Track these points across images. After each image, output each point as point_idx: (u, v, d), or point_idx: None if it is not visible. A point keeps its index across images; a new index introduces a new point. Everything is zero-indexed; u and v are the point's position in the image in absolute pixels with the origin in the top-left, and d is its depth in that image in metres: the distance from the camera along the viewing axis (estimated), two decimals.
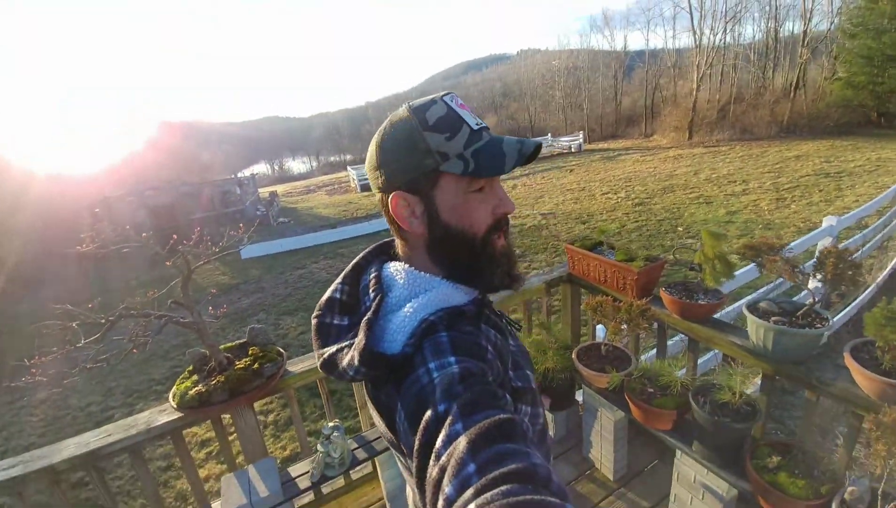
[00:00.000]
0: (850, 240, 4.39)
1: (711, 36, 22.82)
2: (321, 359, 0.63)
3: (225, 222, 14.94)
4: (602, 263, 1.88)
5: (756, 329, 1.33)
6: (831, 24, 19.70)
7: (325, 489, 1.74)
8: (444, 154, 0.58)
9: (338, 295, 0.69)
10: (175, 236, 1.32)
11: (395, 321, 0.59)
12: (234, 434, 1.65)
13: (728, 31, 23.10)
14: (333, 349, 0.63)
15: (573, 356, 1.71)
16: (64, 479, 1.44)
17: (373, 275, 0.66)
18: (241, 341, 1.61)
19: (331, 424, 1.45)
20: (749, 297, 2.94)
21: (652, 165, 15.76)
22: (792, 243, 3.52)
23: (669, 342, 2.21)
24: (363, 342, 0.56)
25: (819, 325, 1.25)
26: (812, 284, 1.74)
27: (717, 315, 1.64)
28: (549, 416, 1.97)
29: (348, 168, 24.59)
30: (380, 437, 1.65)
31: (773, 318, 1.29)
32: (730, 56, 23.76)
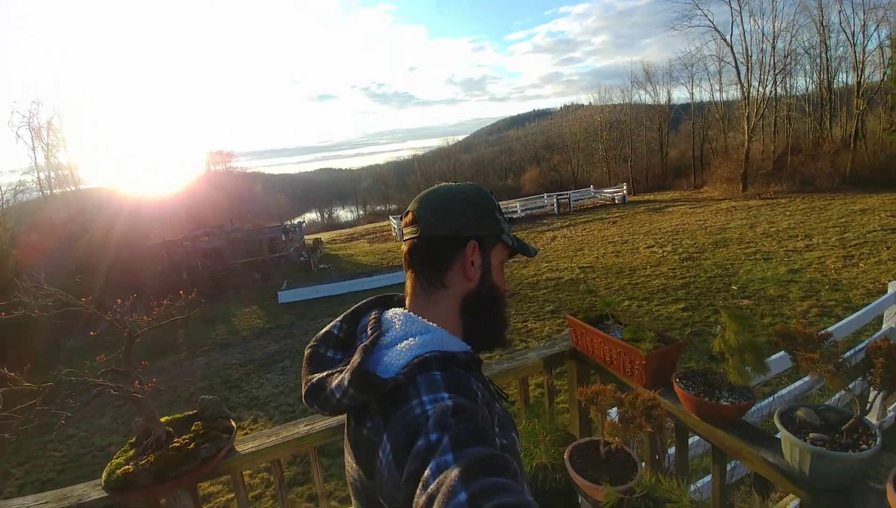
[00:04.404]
0: None
1: (760, 88, 22.20)
2: (308, 385, 0.65)
3: (270, 267, 15.64)
4: (606, 341, 1.61)
5: (791, 448, 1.02)
6: (884, 74, 18.69)
7: None
8: (503, 229, 0.73)
9: (335, 331, 0.73)
10: (119, 300, 1.25)
11: (390, 353, 0.62)
12: None
13: (778, 83, 22.42)
14: (324, 374, 0.64)
15: (566, 455, 1.41)
16: None
17: (372, 316, 0.71)
18: (191, 412, 1.48)
19: None
20: (786, 390, 2.48)
21: (702, 218, 14.93)
22: (850, 317, 3.03)
23: (692, 441, 1.84)
24: (358, 361, 0.58)
25: (864, 445, 0.94)
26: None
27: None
28: None
29: (391, 218, 25.38)
30: None
31: (812, 435, 0.99)
32: (782, 107, 22.89)
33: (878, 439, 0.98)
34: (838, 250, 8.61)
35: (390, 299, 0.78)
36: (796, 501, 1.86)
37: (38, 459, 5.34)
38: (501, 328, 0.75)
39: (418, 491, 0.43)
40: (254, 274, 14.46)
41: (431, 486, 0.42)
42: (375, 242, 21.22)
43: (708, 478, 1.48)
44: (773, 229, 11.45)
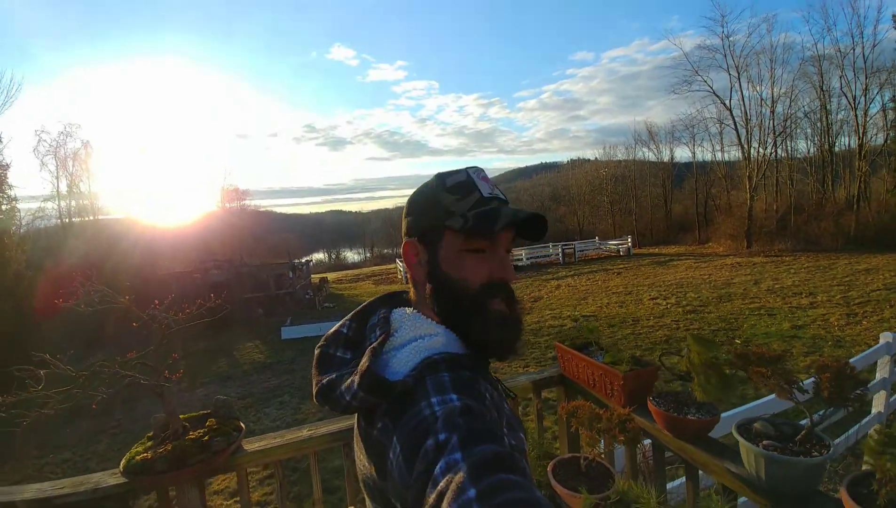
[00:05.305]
0: None
1: (761, 149, 22.92)
2: (318, 386, 0.65)
3: (275, 303, 15.78)
4: (589, 365, 1.75)
5: (747, 454, 1.13)
6: (887, 137, 19.28)
7: None
8: (451, 212, 0.65)
9: (344, 330, 0.72)
10: (157, 301, 1.43)
11: (398, 355, 0.62)
12: None
13: (779, 145, 23.16)
14: (334, 375, 0.64)
15: (549, 468, 1.50)
16: None
17: (381, 315, 0.70)
18: (205, 411, 1.61)
19: None
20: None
21: (706, 272, 15.00)
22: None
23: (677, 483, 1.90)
24: (367, 364, 0.58)
25: (817, 453, 1.04)
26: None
27: None
28: None
29: (397, 260, 25.70)
30: None
31: (764, 442, 1.10)
32: (784, 168, 23.51)
33: (831, 449, 1.08)
34: (842, 308, 8.61)
35: (399, 296, 0.77)
36: None
37: (32, 480, 5.27)
38: (485, 326, 0.65)
39: (428, 490, 0.44)
40: (257, 310, 14.60)
41: (441, 484, 0.42)
42: (381, 283, 21.39)
43: None
44: (777, 286, 11.47)
